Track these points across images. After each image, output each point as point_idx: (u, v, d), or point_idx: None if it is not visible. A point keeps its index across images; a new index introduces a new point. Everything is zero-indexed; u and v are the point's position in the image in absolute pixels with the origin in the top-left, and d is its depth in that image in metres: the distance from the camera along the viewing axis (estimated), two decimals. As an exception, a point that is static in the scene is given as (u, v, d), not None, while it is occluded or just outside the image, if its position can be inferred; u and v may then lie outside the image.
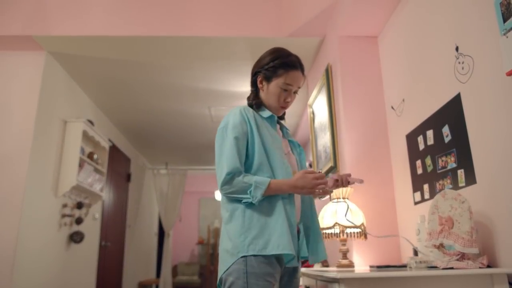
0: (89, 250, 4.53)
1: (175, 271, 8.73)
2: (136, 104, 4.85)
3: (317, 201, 3.34)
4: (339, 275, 1.49)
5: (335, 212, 2.36)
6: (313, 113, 3.67)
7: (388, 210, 2.68)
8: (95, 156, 4.30)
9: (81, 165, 3.96)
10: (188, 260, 9.13)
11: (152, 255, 7.80)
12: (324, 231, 2.38)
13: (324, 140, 3.25)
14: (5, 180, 3.20)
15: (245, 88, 4.34)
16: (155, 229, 8.05)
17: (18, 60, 3.50)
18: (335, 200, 2.45)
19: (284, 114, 1.82)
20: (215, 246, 8.95)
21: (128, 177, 6.18)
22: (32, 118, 3.36)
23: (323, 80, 3.22)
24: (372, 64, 2.97)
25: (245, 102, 4.94)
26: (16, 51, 3.50)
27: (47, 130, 3.57)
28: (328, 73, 3.11)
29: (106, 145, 4.58)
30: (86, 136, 4.14)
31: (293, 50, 3.68)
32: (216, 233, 9.02)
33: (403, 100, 2.57)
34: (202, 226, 9.34)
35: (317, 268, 2.90)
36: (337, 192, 2.47)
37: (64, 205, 3.87)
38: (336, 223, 2.31)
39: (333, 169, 2.96)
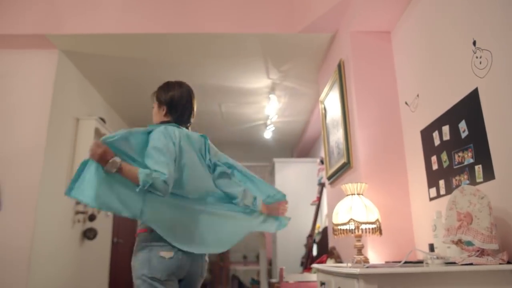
0: (102, 247, 4.57)
1: (185, 267, 8.73)
2: (146, 102, 4.80)
3: (333, 196, 3.32)
4: (358, 271, 1.49)
5: (350, 208, 2.34)
6: (324, 109, 3.66)
7: (402, 206, 2.67)
8: (107, 154, 4.31)
9: (93, 163, 3.98)
10: (198, 257, 9.13)
11: (163, 252, 7.82)
12: (339, 227, 2.37)
13: (336, 136, 3.24)
14: (21, 178, 3.23)
15: (256, 84, 4.34)
16: (165, 226, 8.06)
17: (31, 58, 3.52)
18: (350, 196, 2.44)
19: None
20: (224, 243, 8.93)
21: (138, 174, 6.20)
22: (46, 116, 3.39)
23: (335, 76, 3.20)
24: (385, 59, 2.95)
25: (256, 99, 5.00)
26: (29, 50, 3.52)
27: (60, 127, 3.60)
28: (340, 69, 3.10)
29: (117, 142, 4.59)
30: (98, 134, 4.16)
31: (304, 46, 3.68)
32: (226, 229, 9.00)
33: (418, 95, 2.55)
34: (212, 223, 9.33)
35: (332, 264, 2.90)
36: (351, 188, 2.46)
37: (77, 202, 3.90)
38: (351, 219, 2.30)
39: (347, 165, 2.95)
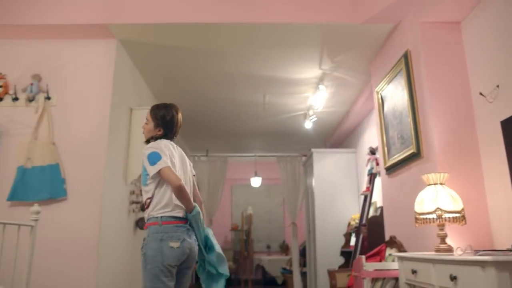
0: (149, 236, 4.61)
1: (210, 256, 8.81)
2: (187, 92, 4.87)
3: (391, 186, 3.32)
4: (491, 258, 1.51)
5: (435, 198, 2.37)
6: (381, 99, 3.67)
7: (477, 196, 2.68)
8: (155, 144, 4.35)
9: (146, 152, 4.01)
10: (222, 246, 9.19)
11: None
12: (423, 216, 2.41)
13: (400, 127, 3.25)
14: (86, 167, 3.26)
15: (305, 74, 4.34)
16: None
17: (92, 48, 3.53)
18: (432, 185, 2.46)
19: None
20: (248, 232, 9.02)
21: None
22: (107, 105, 3.41)
23: (400, 66, 3.20)
24: (455, 50, 2.95)
25: (301, 89, 5.06)
26: (89, 40, 3.53)
27: (119, 117, 3.62)
28: (407, 59, 3.10)
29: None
30: (149, 124, 4.18)
31: (362, 36, 3.65)
32: (250, 219, 9.09)
33: (498, 86, 2.55)
34: (235, 213, 9.42)
35: (396, 252, 2.93)
36: (434, 177, 2.48)
37: (132, 192, 3.94)
38: (438, 208, 2.33)
39: (416, 155, 2.96)
